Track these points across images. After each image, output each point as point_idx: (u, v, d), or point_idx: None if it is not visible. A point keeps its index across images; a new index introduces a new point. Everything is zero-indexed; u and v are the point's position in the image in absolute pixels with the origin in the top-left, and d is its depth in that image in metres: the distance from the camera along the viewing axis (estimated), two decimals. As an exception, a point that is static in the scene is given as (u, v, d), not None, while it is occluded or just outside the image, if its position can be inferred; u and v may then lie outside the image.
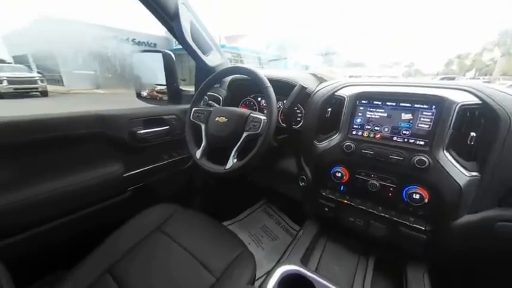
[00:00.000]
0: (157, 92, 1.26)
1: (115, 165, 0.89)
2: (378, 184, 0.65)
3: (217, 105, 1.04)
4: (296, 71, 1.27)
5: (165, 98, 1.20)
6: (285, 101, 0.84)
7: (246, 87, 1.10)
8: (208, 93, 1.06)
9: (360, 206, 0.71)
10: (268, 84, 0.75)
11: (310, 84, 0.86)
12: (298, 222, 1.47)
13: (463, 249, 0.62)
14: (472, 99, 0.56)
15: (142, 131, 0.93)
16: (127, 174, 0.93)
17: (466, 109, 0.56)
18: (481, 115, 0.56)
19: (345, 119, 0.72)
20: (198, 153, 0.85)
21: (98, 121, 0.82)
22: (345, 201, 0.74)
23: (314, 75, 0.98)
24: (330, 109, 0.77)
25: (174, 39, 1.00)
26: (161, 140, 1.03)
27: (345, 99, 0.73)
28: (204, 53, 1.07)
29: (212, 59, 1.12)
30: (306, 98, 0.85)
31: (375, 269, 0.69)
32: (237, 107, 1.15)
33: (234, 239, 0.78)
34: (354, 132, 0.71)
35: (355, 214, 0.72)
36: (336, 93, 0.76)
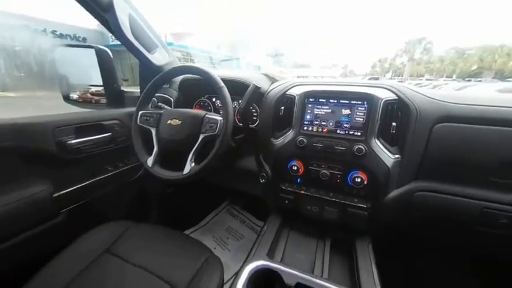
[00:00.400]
0: (92, 94, 1.08)
1: (40, 184, 0.73)
2: (328, 173, 0.74)
3: (168, 107, 0.97)
4: (249, 71, 1.30)
5: (104, 100, 1.04)
6: (240, 101, 0.85)
7: (199, 88, 1.06)
8: (157, 94, 0.97)
9: (315, 195, 0.78)
10: (222, 84, 0.75)
11: (263, 84, 0.89)
12: (262, 218, 1.52)
13: (394, 218, 0.76)
14: (391, 96, 0.69)
15: (74, 141, 0.79)
16: (58, 193, 0.77)
17: (388, 103, 0.69)
18: (398, 108, 0.69)
19: (297, 116, 0.78)
20: (150, 161, 0.78)
21: (12, 132, 0.66)
22: (302, 192, 0.80)
23: (266, 75, 1.02)
24: (283, 107, 0.82)
25: (111, 34, 0.88)
26: (103, 149, 0.89)
27: (295, 97, 0.79)
28: (148, 51, 0.98)
29: (159, 58, 1.03)
30: (260, 97, 0.88)
31: (331, 249, 0.77)
32: (191, 108, 1.10)
33: (197, 247, 0.74)
34: (305, 128, 0.78)
35: (311, 202, 0.79)
36: (287, 93, 0.81)
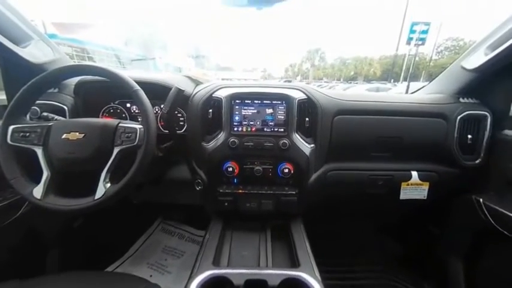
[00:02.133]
0: None
1: None
2: (261, 169, 0.80)
3: (61, 118, 0.75)
4: (168, 73, 1.19)
5: None
6: (161, 106, 0.77)
7: (105, 92, 0.87)
8: (41, 101, 0.73)
9: (252, 191, 0.83)
10: (137, 87, 0.64)
11: (187, 87, 0.84)
12: (203, 227, 1.44)
13: (317, 197, 0.91)
14: (302, 96, 0.82)
15: None
16: None
17: (300, 102, 0.81)
18: (308, 106, 0.83)
19: (226, 118, 0.79)
20: (39, 191, 0.58)
21: None
22: (240, 191, 0.83)
23: (189, 77, 0.97)
24: (211, 110, 0.80)
25: None
26: None
27: (222, 100, 0.79)
28: (16, 43, 0.72)
29: (35, 53, 0.78)
30: (185, 101, 0.83)
31: (272, 239, 0.83)
32: (98, 117, 0.90)
33: (127, 282, 0.62)
34: (235, 129, 0.80)
35: (250, 199, 0.83)
36: (213, 95, 0.81)
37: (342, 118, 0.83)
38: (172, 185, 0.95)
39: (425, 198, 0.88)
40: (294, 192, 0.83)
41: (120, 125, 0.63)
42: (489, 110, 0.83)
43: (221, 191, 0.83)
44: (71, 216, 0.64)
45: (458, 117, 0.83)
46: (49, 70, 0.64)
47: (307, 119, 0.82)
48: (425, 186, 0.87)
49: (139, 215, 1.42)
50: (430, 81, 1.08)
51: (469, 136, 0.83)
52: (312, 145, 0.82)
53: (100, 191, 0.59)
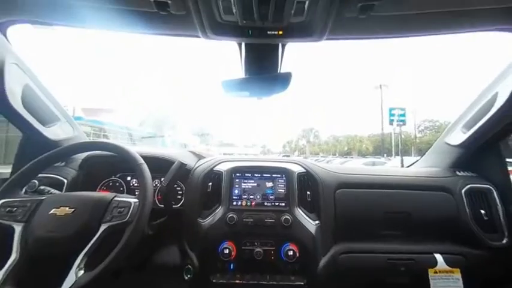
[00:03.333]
0: None
1: None
2: (261, 251, 0.70)
3: (56, 191, 0.74)
4: (174, 149, 1.27)
5: None
6: (162, 179, 0.77)
7: (110, 166, 0.90)
8: (43, 175, 0.74)
9: (251, 281, 0.70)
10: (142, 161, 0.67)
11: (189, 161, 0.88)
12: None
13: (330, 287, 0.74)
14: (301, 169, 0.84)
15: None
16: None
17: (300, 175, 0.82)
18: (308, 179, 0.83)
19: (225, 191, 0.78)
20: None
21: None
22: (237, 281, 0.70)
23: (193, 152, 1.03)
24: (210, 183, 0.80)
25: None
26: None
27: (223, 173, 0.80)
28: (43, 123, 0.81)
29: (57, 132, 0.86)
30: (185, 174, 0.84)
31: None
32: (95, 190, 0.88)
33: None
34: (234, 203, 0.77)
35: None
36: (214, 169, 0.83)
37: (344, 192, 0.81)
38: (157, 271, 0.81)
39: None
40: (302, 283, 0.69)
41: (115, 198, 0.61)
42: (491, 183, 0.83)
43: (214, 281, 0.69)
44: None
45: (463, 191, 0.81)
46: (64, 146, 0.69)
47: (308, 192, 0.80)
48: (457, 274, 0.73)
49: None
50: (422, 156, 1.14)
51: (483, 211, 0.78)
52: (317, 222, 0.76)
53: (68, 282, 0.49)
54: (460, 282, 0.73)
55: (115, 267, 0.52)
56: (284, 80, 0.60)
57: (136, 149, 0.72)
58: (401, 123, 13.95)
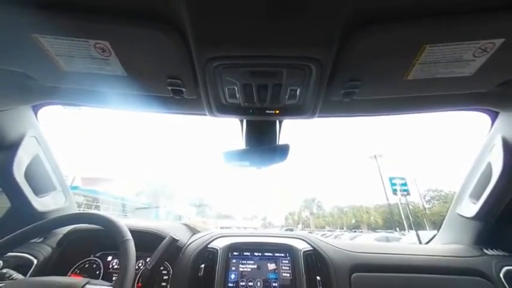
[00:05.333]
0: None
1: None
2: None
3: (18, 276, 0.62)
4: (167, 221, 1.18)
5: None
6: (148, 259, 0.67)
7: (91, 242, 0.80)
8: (12, 253, 0.65)
9: None
10: (129, 236, 0.60)
11: (182, 236, 0.79)
12: None
13: None
14: (307, 247, 0.74)
15: None
16: None
17: (307, 255, 0.71)
18: (316, 260, 0.72)
19: (220, 277, 0.65)
20: None
21: None
22: None
23: (187, 225, 0.94)
24: (203, 265, 0.68)
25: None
26: None
27: (218, 251, 0.70)
28: (37, 193, 0.79)
29: (48, 202, 0.83)
30: (176, 252, 0.73)
31: None
32: (66, 274, 0.74)
33: None
34: None
35: None
36: (209, 246, 0.73)
37: (361, 276, 0.69)
38: None
39: None
40: None
41: (86, 286, 0.51)
42: None
43: None
44: None
45: (501, 275, 0.68)
46: (48, 218, 0.64)
47: (318, 277, 0.67)
48: None
49: None
50: (438, 229, 1.04)
51: None
52: None
53: None
54: None
55: None
56: (282, 151, 0.64)
57: (127, 222, 0.66)
58: (405, 193, 13.58)
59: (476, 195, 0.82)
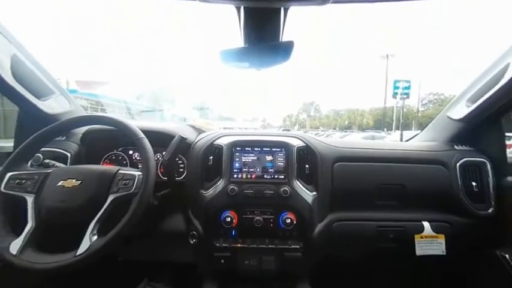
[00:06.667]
0: None
1: None
2: (261, 219, 0.74)
3: (61, 165, 0.76)
4: (174, 123, 1.26)
5: None
6: (163, 153, 0.78)
7: (111, 140, 0.90)
8: (46, 148, 0.75)
9: (252, 245, 0.75)
10: (142, 135, 0.67)
11: (190, 135, 0.88)
12: None
13: (325, 254, 0.82)
14: (301, 143, 0.84)
15: None
16: None
17: (299, 149, 0.83)
18: (307, 153, 0.84)
19: (226, 165, 0.79)
20: (17, 244, 0.53)
21: None
22: (239, 245, 0.75)
23: (193, 126, 1.02)
24: (211, 157, 0.81)
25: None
26: None
27: (223, 147, 0.81)
28: (38, 97, 0.79)
29: (53, 105, 0.85)
30: (186, 148, 0.85)
31: None
32: (99, 164, 0.90)
33: None
34: (235, 176, 0.79)
35: (249, 255, 0.75)
36: (214, 143, 0.83)
37: (342, 165, 0.83)
38: (164, 238, 0.87)
39: (444, 253, 0.79)
40: (298, 247, 0.75)
41: (119, 171, 0.63)
42: (486, 156, 0.84)
43: (217, 245, 0.75)
44: (43, 276, 0.56)
45: (458, 164, 0.83)
46: (62, 120, 0.69)
47: (307, 165, 0.82)
48: (441, 239, 0.80)
49: (122, 275, 1.24)
50: (422, 130, 1.14)
51: (474, 183, 0.81)
52: (314, 193, 0.80)
53: (84, 245, 0.53)
54: (443, 246, 0.79)
55: (125, 234, 0.57)
56: (286, 49, 0.57)
57: (136, 123, 0.72)
58: (405, 96, 13.59)
59: (474, 100, 0.83)
